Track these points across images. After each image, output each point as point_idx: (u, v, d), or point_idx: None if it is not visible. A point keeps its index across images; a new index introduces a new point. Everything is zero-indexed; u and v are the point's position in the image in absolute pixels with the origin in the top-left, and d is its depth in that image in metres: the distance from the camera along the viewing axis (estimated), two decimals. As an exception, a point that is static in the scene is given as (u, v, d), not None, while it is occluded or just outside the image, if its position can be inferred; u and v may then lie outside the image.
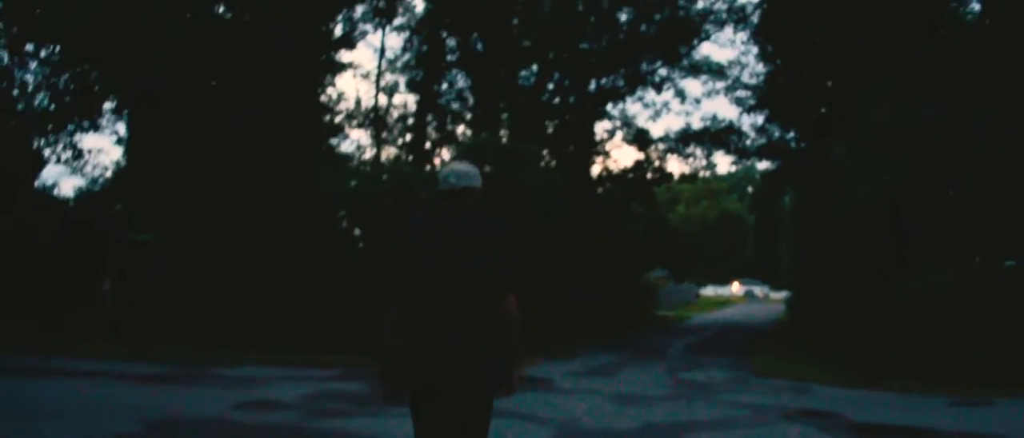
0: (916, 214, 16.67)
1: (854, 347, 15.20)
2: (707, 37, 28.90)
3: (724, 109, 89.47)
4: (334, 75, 23.91)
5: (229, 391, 9.83)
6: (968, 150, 15.85)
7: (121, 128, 20.03)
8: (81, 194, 21.42)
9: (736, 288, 66.36)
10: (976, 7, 20.54)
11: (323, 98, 23.42)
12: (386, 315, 3.45)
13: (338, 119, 25.97)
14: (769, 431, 7.69)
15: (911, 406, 9.69)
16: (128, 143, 19.74)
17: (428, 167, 22.96)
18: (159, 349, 13.75)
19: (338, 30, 23.20)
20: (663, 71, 30.81)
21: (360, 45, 32.44)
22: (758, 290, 67.07)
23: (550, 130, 29.53)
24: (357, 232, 19.70)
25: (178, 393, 9.68)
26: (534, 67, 29.07)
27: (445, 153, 28.26)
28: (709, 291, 61.57)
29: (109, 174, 20.89)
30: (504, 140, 23.21)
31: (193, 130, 17.36)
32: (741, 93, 30.08)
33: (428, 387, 3.38)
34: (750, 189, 77.48)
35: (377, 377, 3.53)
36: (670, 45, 28.22)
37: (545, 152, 25.71)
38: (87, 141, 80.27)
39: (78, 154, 19.25)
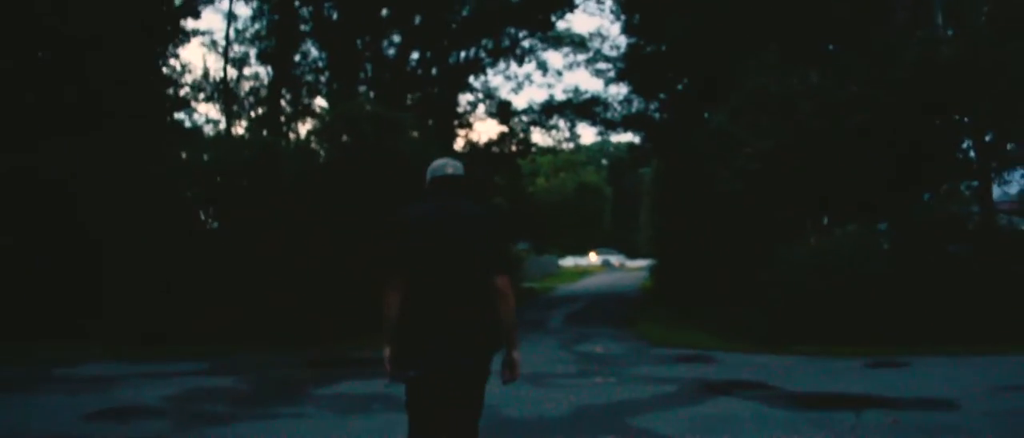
0: (791, 180, 16.77)
1: (737, 313, 15.18)
2: (575, 7, 28.49)
3: (586, 82, 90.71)
4: (177, 46, 21.78)
5: (77, 396, 8.37)
6: (843, 115, 16.11)
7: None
8: None
9: (594, 258, 67.28)
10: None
11: (166, 70, 21.28)
12: (386, 300, 3.55)
13: (183, 92, 23.78)
14: (711, 408, 7.14)
15: (830, 371, 9.46)
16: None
17: (293, 137, 21.24)
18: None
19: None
20: (526, 43, 30.30)
21: (206, 12, 29.99)
22: (614, 259, 68.27)
23: (410, 103, 28.41)
24: (204, 215, 17.82)
25: (15, 402, 8.07)
26: (395, 38, 27.76)
27: (302, 127, 26.56)
28: (569, 262, 62.03)
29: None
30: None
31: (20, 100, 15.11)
32: (602, 65, 30.09)
33: (430, 372, 3.48)
34: (604, 161, 79.03)
35: (385, 361, 3.60)
36: (538, 13, 27.59)
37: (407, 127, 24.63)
38: None
39: None
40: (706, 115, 21.62)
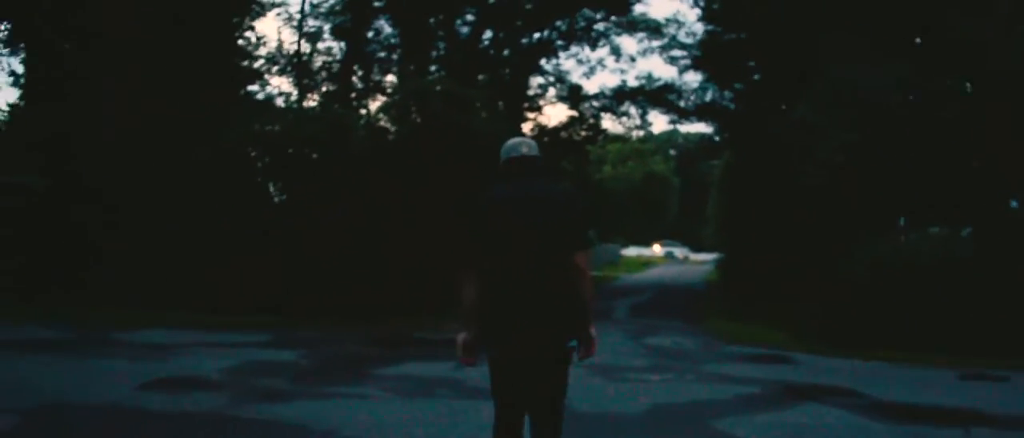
0: (876, 176, 15.95)
1: (810, 311, 14.50)
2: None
3: (659, 68, 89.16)
4: (253, 18, 21.85)
5: (134, 364, 8.24)
6: (933, 108, 15.25)
7: (16, 65, 17.51)
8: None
9: (658, 249, 66.27)
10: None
11: (241, 42, 21.32)
12: (465, 284, 3.53)
13: (257, 65, 23.86)
14: (799, 414, 6.61)
15: (921, 381, 8.82)
16: (24, 83, 17.26)
17: (363, 113, 21.07)
18: (57, 307, 11.93)
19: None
20: (600, 25, 29.64)
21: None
22: (678, 252, 67.14)
23: (481, 83, 28.10)
24: (272, 186, 17.79)
25: (71, 366, 8.00)
26: (469, 16, 27.42)
27: (373, 104, 26.48)
28: (631, 252, 61.23)
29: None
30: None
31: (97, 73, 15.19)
32: (676, 53, 29.24)
33: (514, 352, 3.48)
34: (672, 151, 77.70)
35: (458, 346, 3.58)
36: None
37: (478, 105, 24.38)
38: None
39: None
40: (783, 106, 20.83)
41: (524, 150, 3.71)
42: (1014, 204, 16.15)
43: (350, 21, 26.12)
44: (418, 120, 16.75)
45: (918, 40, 17.65)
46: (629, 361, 9.82)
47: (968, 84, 16.12)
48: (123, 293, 13.33)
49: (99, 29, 15.03)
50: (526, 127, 29.69)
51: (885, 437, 5.89)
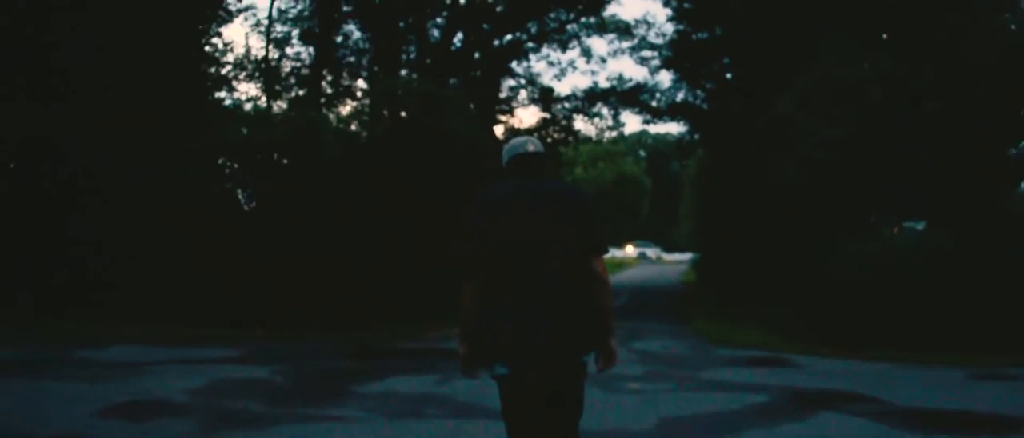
0: (861, 171, 15.69)
1: (794, 310, 14.20)
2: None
3: (629, 69, 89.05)
4: (220, 25, 21.14)
5: (94, 386, 7.60)
6: (919, 103, 15.04)
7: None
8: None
9: (631, 250, 66.11)
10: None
11: (208, 48, 20.63)
12: (464, 291, 3.23)
13: (225, 71, 23.17)
14: (820, 426, 6.15)
15: (932, 382, 8.46)
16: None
17: (333, 117, 20.44)
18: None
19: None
20: (571, 27, 29.32)
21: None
22: (651, 252, 67.04)
23: (454, 85, 27.61)
24: (241, 193, 17.16)
25: (23, 390, 7.32)
26: (438, 20, 26.94)
27: (343, 109, 25.87)
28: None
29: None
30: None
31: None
32: (647, 53, 29.03)
33: (523, 369, 3.12)
34: (642, 152, 77.67)
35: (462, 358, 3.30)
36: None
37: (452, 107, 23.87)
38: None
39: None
40: (760, 105, 20.55)
41: (530, 147, 3.44)
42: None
43: (318, 26, 25.52)
44: (388, 119, 16.25)
45: (897, 35, 17.47)
46: (623, 369, 9.34)
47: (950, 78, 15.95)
48: (86, 305, 12.69)
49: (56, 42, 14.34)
50: (498, 130, 29.27)
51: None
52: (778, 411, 6.77)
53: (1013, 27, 15.49)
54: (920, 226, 16.47)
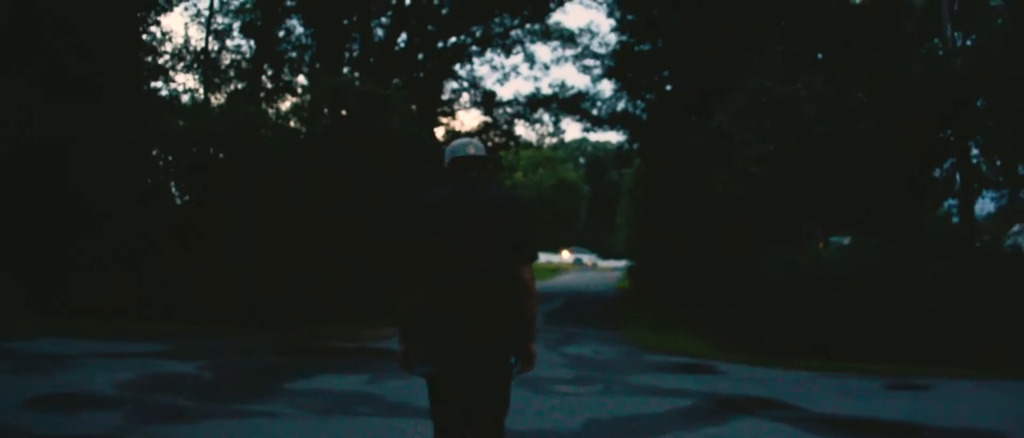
0: (792, 185, 16.18)
1: (725, 319, 14.57)
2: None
3: (572, 77, 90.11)
4: (158, 13, 20.67)
5: (22, 376, 7.47)
6: (848, 121, 15.56)
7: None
8: None
9: (566, 256, 66.73)
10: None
11: (145, 37, 20.15)
12: (403, 292, 3.32)
13: (162, 61, 22.63)
14: (736, 430, 6.40)
15: (848, 390, 8.79)
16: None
17: (273, 112, 20.15)
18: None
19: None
20: (515, 33, 29.53)
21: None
22: (587, 258, 67.80)
23: (397, 85, 27.50)
24: (175, 186, 16.85)
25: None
26: (383, 19, 26.82)
27: (283, 105, 25.54)
28: (540, 258, 61.49)
29: None
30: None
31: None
32: (590, 62, 29.46)
33: (450, 368, 3.26)
34: (581, 160, 78.41)
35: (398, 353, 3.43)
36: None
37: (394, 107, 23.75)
38: None
39: None
40: (696, 117, 21.00)
41: (471, 150, 3.49)
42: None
43: (260, 19, 25.15)
44: (330, 120, 16.14)
45: (830, 56, 18.08)
46: (553, 372, 9.49)
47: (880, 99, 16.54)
48: (9, 298, 12.30)
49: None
50: (439, 132, 29.26)
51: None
52: (697, 415, 6.99)
53: (941, 53, 16.13)
54: (845, 241, 17.03)
